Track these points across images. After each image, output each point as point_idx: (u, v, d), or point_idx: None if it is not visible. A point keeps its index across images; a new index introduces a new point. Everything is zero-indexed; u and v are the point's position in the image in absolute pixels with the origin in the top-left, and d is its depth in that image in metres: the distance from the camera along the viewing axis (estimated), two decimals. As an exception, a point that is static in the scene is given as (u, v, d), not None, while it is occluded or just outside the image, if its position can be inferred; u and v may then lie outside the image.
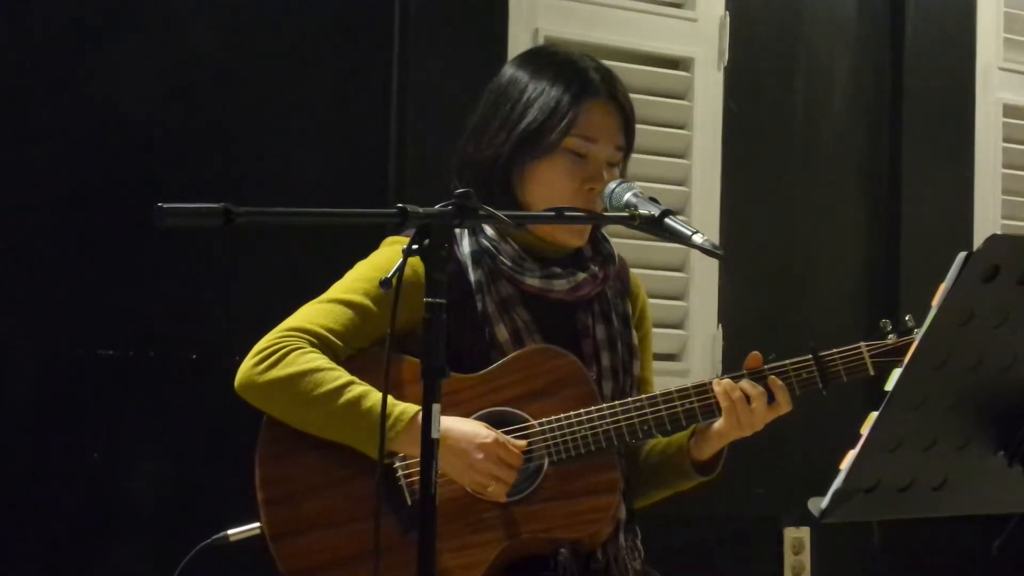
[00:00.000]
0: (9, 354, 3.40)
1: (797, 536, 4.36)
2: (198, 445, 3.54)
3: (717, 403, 2.63)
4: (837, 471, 2.04)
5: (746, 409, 2.62)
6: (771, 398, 2.64)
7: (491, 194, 2.68)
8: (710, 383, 2.65)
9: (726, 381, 2.64)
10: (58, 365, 3.45)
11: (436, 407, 2.06)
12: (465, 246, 2.71)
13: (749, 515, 4.24)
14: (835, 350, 2.67)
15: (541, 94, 2.71)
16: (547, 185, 2.70)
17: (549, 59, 2.81)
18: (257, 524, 2.62)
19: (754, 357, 2.67)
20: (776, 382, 2.64)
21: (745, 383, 2.64)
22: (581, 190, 2.70)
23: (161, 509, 3.51)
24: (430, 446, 2.05)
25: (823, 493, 2.06)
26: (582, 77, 2.74)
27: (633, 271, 2.92)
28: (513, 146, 2.70)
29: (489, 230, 2.72)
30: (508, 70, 2.78)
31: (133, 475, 3.50)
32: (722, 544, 4.26)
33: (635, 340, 2.79)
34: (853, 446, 2.03)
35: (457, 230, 2.64)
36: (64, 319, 3.45)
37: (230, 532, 2.72)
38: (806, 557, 4.36)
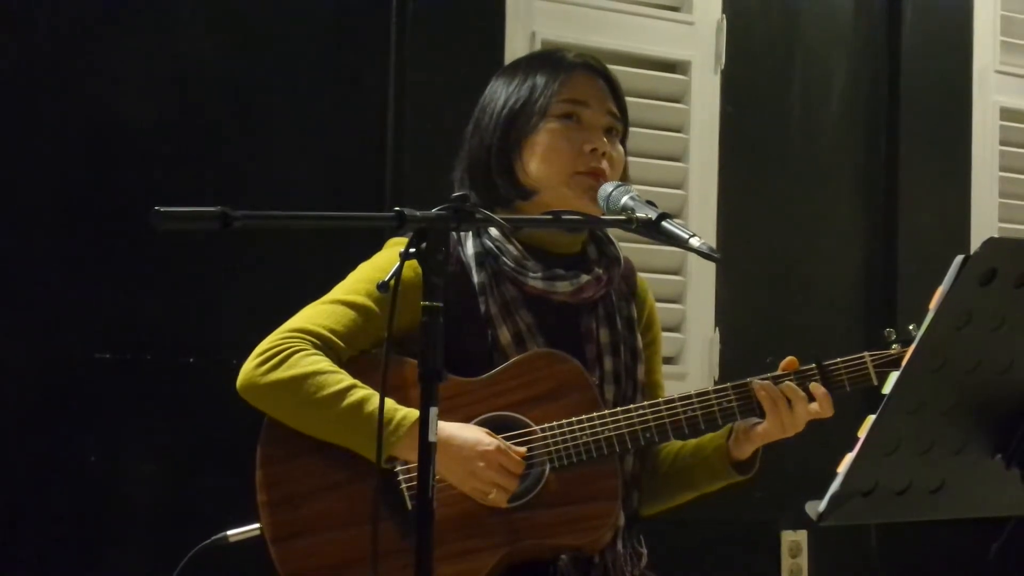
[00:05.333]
0: (6, 357, 3.40)
1: (794, 539, 4.36)
2: (196, 447, 3.54)
3: (759, 403, 2.63)
4: (834, 474, 2.04)
5: (788, 410, 2.63)
6: (810, 400, 2.64)
7: (495, 186, 2.70)
8: (750, 382, 2.65)
9: (766, 382, 2.64)
10: (55, 368, 3.45)
11: (434, 410, 2.06)
12: (469, 248, 2.71)
13: (746, 518, 4.24)
14: (839, 359, 2.66)
15: (522, 82, 2.75)
16: (545, 156, 2.70)
17: (526, 59, 2.91)
18: (257, 525, 2.62)
19: (790, 361, 2.67)
20: (819, 388, 2.64)
21: (786, 385, 2.64)
22: (582, 153, 2.70)
23: (159, 511, 3.51)
24: (427, 450, 2.05)
25: (821, 496, 2.06)
26: (556, 57, 2.80)
27: (640, 275, 2.92)
28: (503, 129, 2.72)
29: (494, 231, 2.72)
30: (491, 83, 2.82)
31: (131, 477, 3.50)
32: (720, 547, 4.26)
33: (639, 344, 2.79)
34: (851, 449, 2.03)
35: (462, 232, 2.65)
36: (61, 323, 3.45)
37: (229, 533, 2.72)
38: (804, 560, 4.36)
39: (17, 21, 3.44)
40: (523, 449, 2.56)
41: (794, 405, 2.63)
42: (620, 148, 2.77)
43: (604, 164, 2.71)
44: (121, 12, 3.54)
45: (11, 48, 3.44)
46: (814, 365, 2.66)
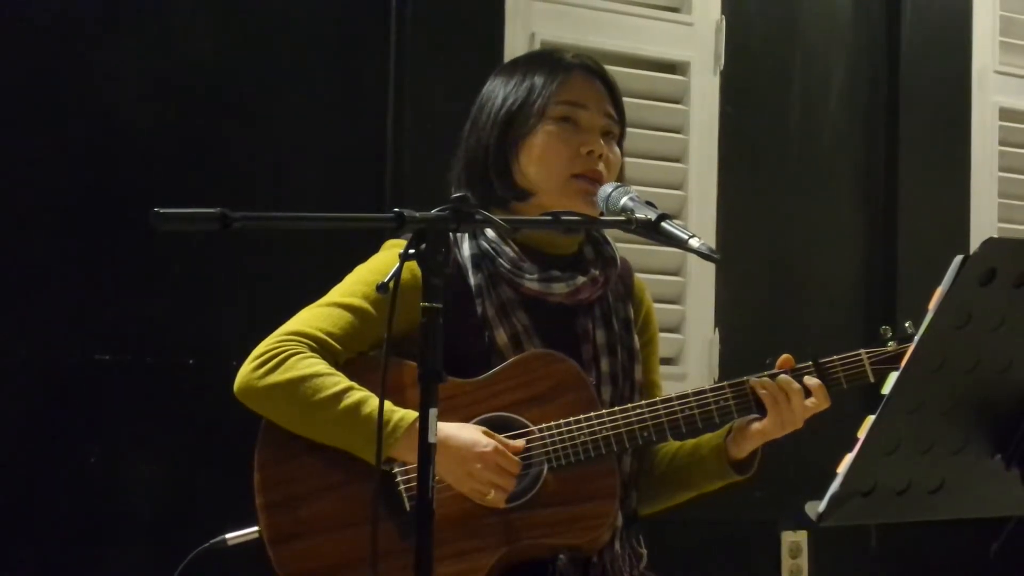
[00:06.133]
0: (6, 359, 3.40)
1: (795, 540, 4.36)
2: (195, 449, 3.54)
3: (757, 399, 2.63)
4: (834, 475, 2.04)
5: (787, 406, 2.63)
6: (807, 395, 2.64)
7: (491, 187, 2.70)
8: (747, 380, 2.65)
9: (764, 379, 2.64)
10: (55, 370, 3.45)
11: (433, 411, 2.06)
12: (465, 249, 2.71)
13: (746, 519, 4.24)
14: (835, 357, 2.67)
15: (520, 82, 2.75)
16: (542, 157, 2.70)
17: (524, 58, 2.90)
18: (255, 528, 2.62)
19: (786, 359, 2.67)
20: (813, 380, 2.64)
21: (781, 378, 2.64)
22: (578, 155, 2.70)
23: (159, 513, 3.51)
24: (427, 451, 2.05)
25: (820, 497, 2.06)
26: (555, 58, 2.80)
27: (639, 275, 2.92)
28: (500, 129, 2.72)
29: (490, 232, 2.72)
30: (488, 81, 2.81)
31: (130, 479, 3.50)
32: (719, 548, 4.26)
33: (636, 345, 2.78)
34: (850, 449, 2.03)
35: (458, 233, 2.65)
36: (61, 324, 3.45)
37: (228, 536, 2.72)
38: (804, 561, 4.36)
39: (17, 21, 3.44)
40: (520, 442, 2.56)
41: (791, 399, 2.63)
42: (617, 150, 2.77)
43: (601, 166, 2.71)
44: (121, 12, 3.54)
45: (11, 48, 3.44)
46: (810, 363, 2.66)
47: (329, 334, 2.62)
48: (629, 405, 2.64)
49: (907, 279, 4.48)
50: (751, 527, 4.31)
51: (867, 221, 4.54)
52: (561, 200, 2.67)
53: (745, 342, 4.26)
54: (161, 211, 1.97)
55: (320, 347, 2.61)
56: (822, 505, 2.06)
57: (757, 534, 4.34)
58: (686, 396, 2.64)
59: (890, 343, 2.67)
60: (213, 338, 3.54)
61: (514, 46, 3.95)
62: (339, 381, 2.56)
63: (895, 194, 4.54)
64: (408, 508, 2.55)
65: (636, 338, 2.79)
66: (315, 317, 2.64)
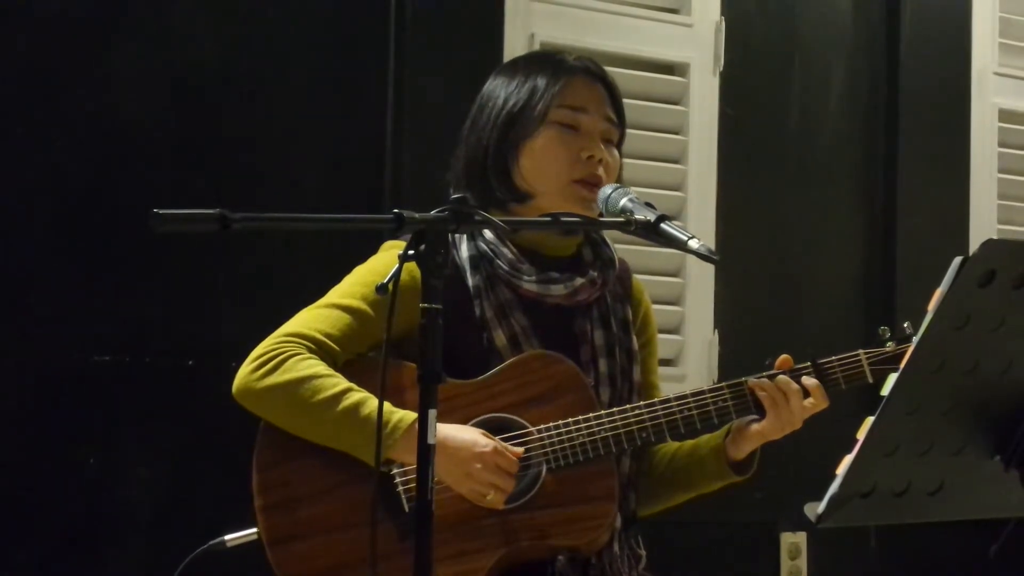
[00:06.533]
0: (7, 359, 3.40)
1: (794, 541, 4.36)
2: (194, 451, 3.54)
3: (756, 400, 2.63)
4: (833, 476, 2.04)
5: (786, 406, 2.63)
6: (806, 395, 2.64)
7: (490, 188, 2.70)
8: (745, 381, 2.65)
9: (763, 380, 2.64)
10: (54, 371, 3.45)
11: (432, 412, 2.06)
12: (464, 250, 2.71)
13: (746, 520, 4.24)
14: (834, 357, 2.67)
15: (521, 84, 2.75)
16: (542, 161, 2.70)
17: (526, 59, 2.90)
18: (254, 530, 2.62)
19: (785, 359, 2.67)
20: (810, 380, 2.64)
21: (780, 379, 2.64)
22: (579, 159, 2.70)
23: (158, 515, 3.51)
24: (426, 452, 2.05)
25: (820, 498, 2.07)
26: (556, 60, 2.79)
27: (638, 277, 2.91)
28: (500, 131, 2.72)
29: (488, 233, 2.72)
30: (489, 81, 2.81)
31: (129, 481, 3.49)
32: (719, 549, 4.26)
33: (635, 346, 2.78)
34: (849, 451, 2.03)
35: (456, 234, 2.65)
36: (60, 325, 3.45)
37: (227, 537, 2.72)
38: (803, 562, 4.36)
39: (17, 21, 3.44)
40: (520, 450, 2.56)
41: (790, 400, 2.63)
42: (616, 154, 2.77)
43: (600, 171, 2.71)
44: (121, 12, 3.54)
45: (11, 48, 3.44)
46: (809, 363, 2.67)
47: (328, 335, 2.62)
48: (628, 406, 2.64)
49: (906, 280, 4.48)
50: (751, 528, 4.31)
51: (866, 222, 4.54)
52: (560, 204, 2.67)
53: (744, 343, 4.26)
54: (160, 212, 1.97)
55: (319, 348, 2.60)
56: (821, 506, 2.06)
57: (757, 535, 4.34)
58: (685, 397, 2.64)
59: (889, 344, 2.67)
60: (213, 338, 3.54)
61: (514, 46, 3.95)
62: (338, 382, 2.56)
63: (894, 195, 4.54)
64: (407, 509, 2.55)
65: (634, 339, 2.80)
66: (314, 318, 2.64)
